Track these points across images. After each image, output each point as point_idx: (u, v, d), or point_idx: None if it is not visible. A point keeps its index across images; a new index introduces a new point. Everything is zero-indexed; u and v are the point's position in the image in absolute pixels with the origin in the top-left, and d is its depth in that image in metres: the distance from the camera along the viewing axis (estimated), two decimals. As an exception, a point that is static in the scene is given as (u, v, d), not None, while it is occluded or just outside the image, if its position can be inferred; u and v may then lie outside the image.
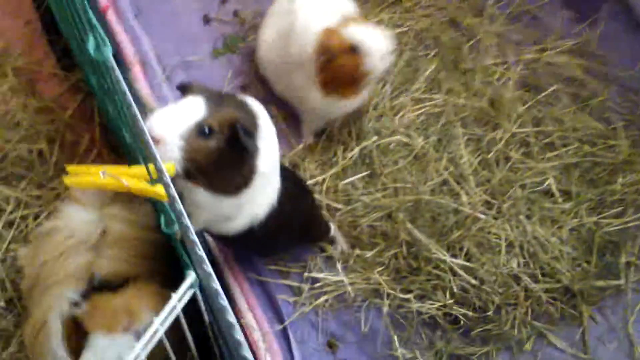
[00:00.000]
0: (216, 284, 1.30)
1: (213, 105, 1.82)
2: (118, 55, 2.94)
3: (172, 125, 1.76)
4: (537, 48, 3.19)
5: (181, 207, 1.33)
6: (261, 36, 2.90)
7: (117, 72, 1.34)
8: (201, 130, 1.77)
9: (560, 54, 3.14)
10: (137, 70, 2.93)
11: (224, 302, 1.28)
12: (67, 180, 1.57)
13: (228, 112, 1.83)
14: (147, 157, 1.39)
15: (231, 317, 1.27)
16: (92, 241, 2.21)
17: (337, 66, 2.51)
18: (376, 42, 2.46)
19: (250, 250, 2.51)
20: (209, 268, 1.31)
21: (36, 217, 2.73)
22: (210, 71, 3.10)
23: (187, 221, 1.31)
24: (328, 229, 2.58)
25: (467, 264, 2.54)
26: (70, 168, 1.60)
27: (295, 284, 2.58)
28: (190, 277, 1.63)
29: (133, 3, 3.21)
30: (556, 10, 3.29)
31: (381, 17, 3.26)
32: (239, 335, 1.26)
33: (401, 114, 2.99)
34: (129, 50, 2.96)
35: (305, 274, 2.58)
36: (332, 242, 2.63)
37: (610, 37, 3.19)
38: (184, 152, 1.75)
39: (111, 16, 3.05)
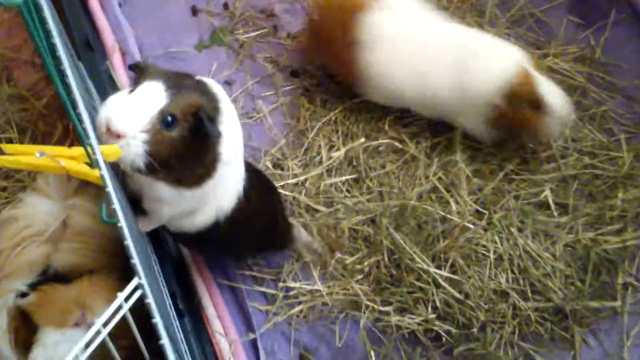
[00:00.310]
0: (150, 299, 1.14)
1: (173, 90, 1.65)
2: (98, 41, 2.80)
3: (133, 117, 1.60)
4: (539, 53, 3.03)
5: (115, 198, 1.17)
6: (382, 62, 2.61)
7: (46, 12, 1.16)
8: (164, 121, 1.62)
9: (563, 61, 2.98)
10: (116, 59, 2.79)
11: (157, 318, 1.13)
12: (1, 159, 1.42)
13: (190, 97, 1.67)
14: (83, 136, 1.24)
15: (164, 336, 1.12)
16: (51, 232, 2.10)
17: (517, 116, 2.45)
18: (562, 108, 2.45)
19: (216, 250, 2.35)
20: (142, 279, 1.14)
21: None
22: (194, 63, 2.97)
23: (122, 221, 1.15)
24: (292, 237, 2.42)
25: (453, 276, 2.38)
26: (7, 147, 1.45)
27: (269, 291, 2.43)
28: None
29: (118, -9, 3.09)
30: (560, 15, 3.13)
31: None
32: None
33: (391, 116, 2.84)
34: (109, 37, 2.82)
35: (280, 284, 2.42)
36: (307, 248, 2.46)
37: (615, 45, 3.02)
38: (147, 146, 1.60)
39: (93, 1, 2.91)
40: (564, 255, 2.47)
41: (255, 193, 2.03)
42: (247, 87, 2.91)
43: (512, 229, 2.49)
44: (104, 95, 2.46)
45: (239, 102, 2.87)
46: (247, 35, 3.08)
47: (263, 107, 2.87)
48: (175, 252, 2.39)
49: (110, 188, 1.13)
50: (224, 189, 1.91)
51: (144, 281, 1.09)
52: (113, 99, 1.66)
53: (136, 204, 1.86)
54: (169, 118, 1.62)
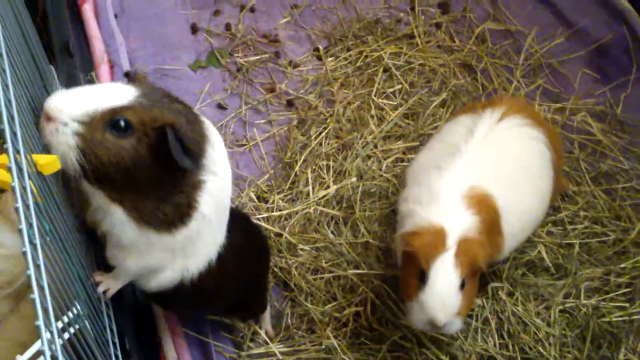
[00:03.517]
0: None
1: (146, 100, 1.43)
2: (85, 50, 2.66)
3: (73, 103, 1.38)
4: (556, 107, 2.85)
5: (24, 217, 0.98)
6: None
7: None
8: (114, 122, 1.39)
9: (580, 117, 2.79)
10: (103, 70, 2.62)
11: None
12: None
13: (162, 112, 1.43)
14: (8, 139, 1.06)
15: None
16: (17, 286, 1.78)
17: (404, 273, 1.99)
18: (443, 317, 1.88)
19: (176, 309, 2.11)
20: (45, 346, 0.93)
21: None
22: (187, 83, 2.81)
23: (27, 246, 0.95)
24: (265, 306, 2.21)
25: (439, 336, 2.16)
26: None
27: (237, 339, 2.22)
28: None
29: (116, 1, 2.95)
30: (577, 68, 2.96)
31: (386, 49, 2.95)
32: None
33: (392, 158, 2.66)
34: (98, 46, 2.67)
35: (244, 352, 2.19)
36: (257, 320, 2.25)
37: (635, 103, 2.84)
38: (81, 141, 1.37)
39: (87, 10, 2.77)
40: (560, 321, 2.26)
41: (233, 259, 1.80)
42: (240, 113, 2.75)
43: (500, 292, 2.28)
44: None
45: (230, 128, 2.70)
46: (246, 59, 2.93)
47: (255, 136, 2.70)
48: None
49: (20, 204, 0.94)
50: (195, 249, 1.68)
51: (47, 351, 0.88)
52: (71, 90, 1.45)
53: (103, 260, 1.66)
54: (122, 122, 1.39)
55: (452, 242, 1.87)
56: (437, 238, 1.88)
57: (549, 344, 2.20)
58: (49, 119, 1.36)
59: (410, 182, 2.20)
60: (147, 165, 1.44)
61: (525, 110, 2.29)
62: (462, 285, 1.87)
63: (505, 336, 2.22)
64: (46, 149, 1.38)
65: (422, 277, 1.88)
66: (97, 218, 1.55)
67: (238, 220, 1.86)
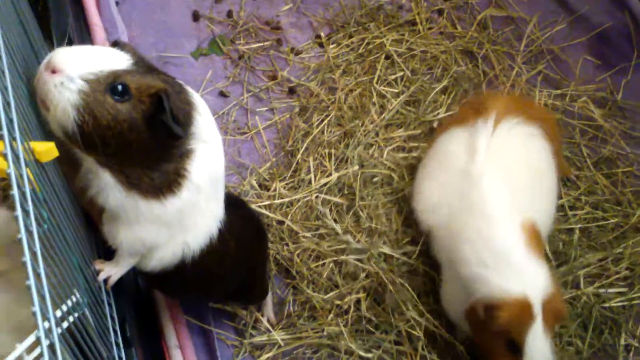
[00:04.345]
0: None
1: (140, 68, 1.43)
2: (87, 38, 2.65)
3: (80, 59, 1.37)
4: (556, 93, 2.85)
5: (19, 202, 0.98)
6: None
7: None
8: (113, 86, 1.38)
9: (581, 102, 2.79)
10: (105, 59, 2.63)
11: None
12: None
13: (155, 81, 1.43)
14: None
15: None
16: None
17: (485, 338, 1.98)
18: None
19: (179, 294, 2.08)
20: (42, 334, 0.93)
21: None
22: (188, 70, 2.81)
23: (22, 233, 0.95)
24: (267, 291, 2.22)
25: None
26: None
27: (240, 327, 2.23)
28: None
29: (118, -12, 2.95)
30: (578, 54, 2.95)
31: (388, 36, 2.94)
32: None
33: (394, 145, 2.66)
34: (99, 34, 2.66)
35: (247, 340, 2.20)
36: (259, 307, 2.26)
37: (636, 90, 2.83)
38: (83, 100, 1.35)
39: (88, -3, 2.77)
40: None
41: (234, 240, 1.80)
42: (241, 101, 2.75)
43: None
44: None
45: (232, 116, 2.70)
46: (248, 46, 2.92)
47: (257, 123, 2.70)
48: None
49: (15, 191, 0.94)
50: (193, 223, 1.67)
51: (43, 340, 0.89)
52: (73, 47, 1.43)
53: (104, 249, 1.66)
54: (120, 87, 1.38)
55: (537, 309, 1.86)
56: (524, 310, 1.86)
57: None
58: (54, 71, 1.34)
59: (443, 220, 2.18)
60: (140, 132, 1.42)
61: (515, 106, 2.27)
62: None
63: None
64: (40, 104, 1.37)
65: (511, 347, 1.88)
66: (85, 183, 1.54)
67: (235, 206, 1.86)
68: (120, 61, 1.42)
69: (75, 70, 1.35)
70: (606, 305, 2.28)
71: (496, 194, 2.06)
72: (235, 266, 1.90)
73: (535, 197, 2.12)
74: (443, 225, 2.18)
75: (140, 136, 1.42)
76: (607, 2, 3.00)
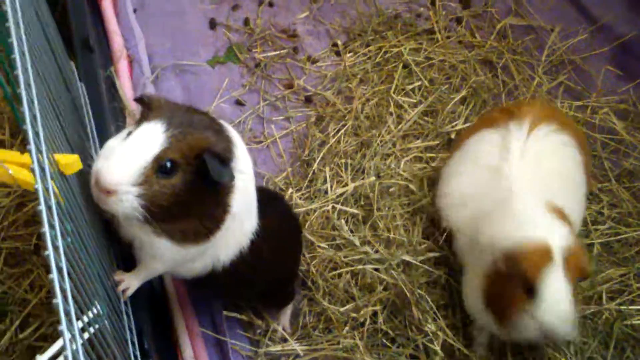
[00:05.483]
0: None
1: (175, 130, 1.46)
2: (104, 45, 2.65)
3: (124, 169, 1.41)
4: (578, 104, 2.81)
5: (46, 219, 0.96)
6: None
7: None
8: (162, 168, 1.43)
9: (602, 114, 2.75)
10: (122, 65, 2.63)
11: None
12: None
13: (195, 137, 1.47)
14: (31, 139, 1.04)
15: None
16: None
17: (506, 289, 1.94)
18: (557, 318, 1.86)
19: (210, 292, 2.13)
20: (66, 345, 0.91)
21: None
22: (205, 79, 2.79)
23: (50, 250, 0.93)
24: (293, 296, 2.21)
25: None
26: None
27: (254, 337, 2.20)
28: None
29: (137, -5, 2.95)
30: (600, 65, 2.91)
31: (406, 45, 2.92)
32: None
33: (411, 156, 2.63)
34: (117, 42, 2.67)
35: (262, 349, 2.16)
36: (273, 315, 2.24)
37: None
38: (141, 198, 1.41)
39: (106, 5, 2.76)
40: (581, 326, 2.21)
41: (268, 245, 1.82)
42: (257, 109, 2.73)
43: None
44: (98, 103, 2.30)
45: (248, 124, 2.68)
46: (264, 55, 2.91)
47: (273, 132, 2.68)
48: (157, 281, 2.17)
49: (43, 207, 0.92)
50: (224, 243, 1.70)
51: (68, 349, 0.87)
52: (107, 147, 1.48)
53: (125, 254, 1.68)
54: (168, 164, 1.44)
55: (558, 256, 1.85)
56: (543, 253, 1.86)
57: (568, 350, 2.16)
58: (108, 192, 1.39)
59: (469, 213, 2.18)
60: (196, 189, 1.49)
61: (550, 114, 2.26)
62: None
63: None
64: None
65: (529, 293, 1.86)
66: (132, 238, 1.60)
67: (273, 202, 1.91)
68: (155, 138, 1.44)
69: (125, 184, 1.40)
70: (627, 322, 2.24)
71: (526, 193, 2.06)
72: (267, 268, 1.92)
73: (565, 205, 2.09)
74: (469, 216, 2.19)
75: (198, 192, 1.49)
76: (629, 12, 2.97)
